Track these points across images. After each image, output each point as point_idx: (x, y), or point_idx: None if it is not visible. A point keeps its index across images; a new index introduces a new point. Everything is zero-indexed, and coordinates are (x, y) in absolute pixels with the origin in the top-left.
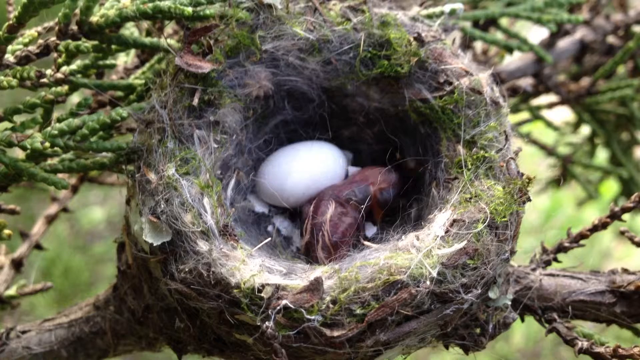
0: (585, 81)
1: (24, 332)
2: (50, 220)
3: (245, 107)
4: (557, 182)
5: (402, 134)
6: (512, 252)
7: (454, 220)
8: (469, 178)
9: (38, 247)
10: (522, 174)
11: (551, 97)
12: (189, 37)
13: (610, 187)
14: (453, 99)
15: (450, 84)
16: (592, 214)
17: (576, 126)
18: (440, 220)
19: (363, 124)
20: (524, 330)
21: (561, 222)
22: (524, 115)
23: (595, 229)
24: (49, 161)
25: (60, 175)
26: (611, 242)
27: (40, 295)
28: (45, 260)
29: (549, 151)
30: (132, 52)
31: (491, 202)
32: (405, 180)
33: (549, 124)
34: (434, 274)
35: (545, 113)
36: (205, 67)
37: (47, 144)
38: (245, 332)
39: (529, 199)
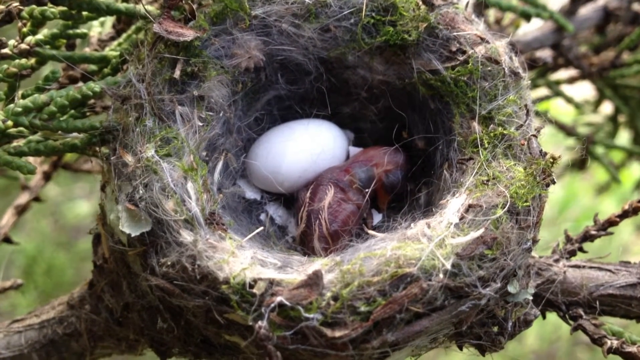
0: (608, 53)
1: None
2: (21, 210)
3: (234, 80)
4: (581, 163)
5: (409, 110)
6: (535, 241)
7: (470, 206)
8: (485, 158)
9: (7, 240)
10: (546, 153)
11: (571, 72)
12: (169, 1)
13: (630, 175)
14: (467, 70)
15: (464, 52)
16: (610, 205)
17: (597, 104)
18: (454, 205)
19: (366, 99)
20: (538, 331)
21: (577, 214)
22: (542, 91)
23: (625, 214)
24: (15, 143)
25: (30, 159)
26: (630, 236)
27: (22, 295)
28: (27, 258)
29: (568, 131)
30: (108, 21)
31: (511, 185)
32: (413, 162)
33: (569, 100)
34: (448, 265)
35: (565, 89)
36: (188, 34)
37: (10, 123)
38: (235, 332)
39: (553, 182)
